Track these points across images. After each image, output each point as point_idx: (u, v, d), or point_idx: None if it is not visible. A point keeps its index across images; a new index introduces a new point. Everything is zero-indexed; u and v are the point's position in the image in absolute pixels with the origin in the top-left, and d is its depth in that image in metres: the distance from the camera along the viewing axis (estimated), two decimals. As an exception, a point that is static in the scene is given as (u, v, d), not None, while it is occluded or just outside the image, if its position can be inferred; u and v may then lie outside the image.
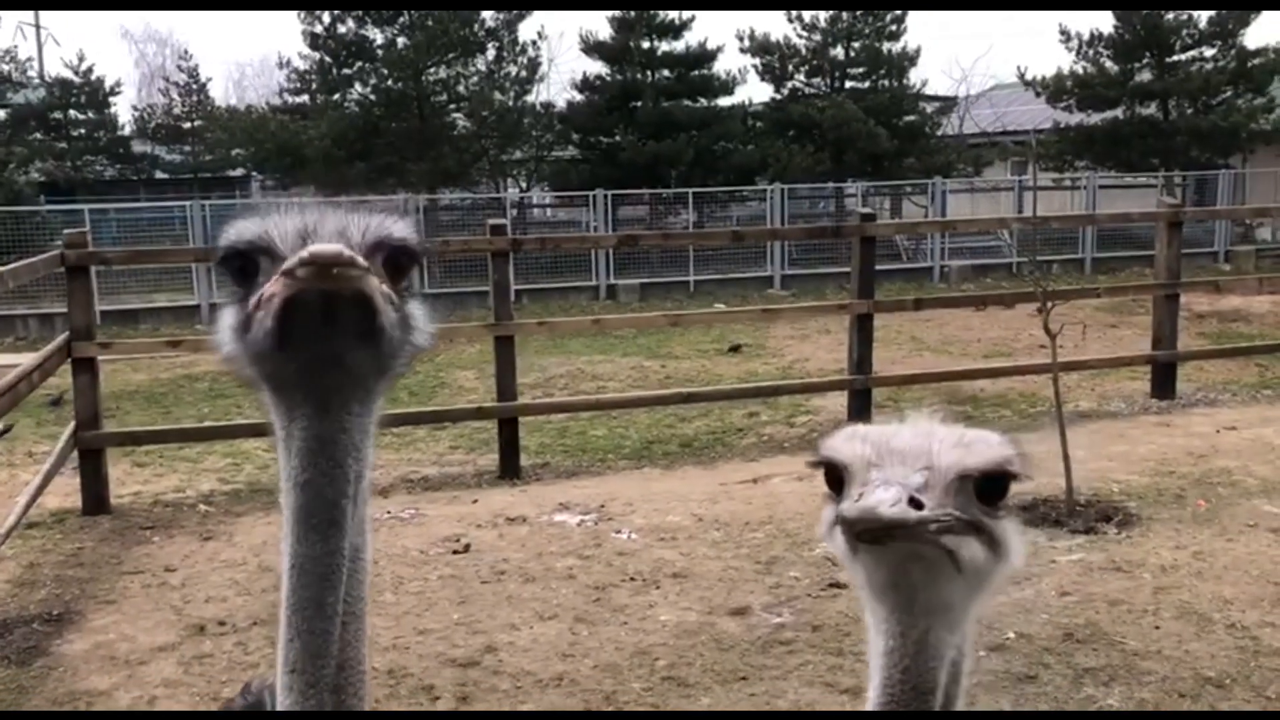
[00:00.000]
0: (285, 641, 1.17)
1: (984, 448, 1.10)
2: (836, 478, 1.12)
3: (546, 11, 29.25)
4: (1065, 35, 29.06)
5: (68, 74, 31.40)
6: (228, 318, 1.17)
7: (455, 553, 6.28)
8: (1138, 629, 4.95)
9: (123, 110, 33.76)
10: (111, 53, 67.94)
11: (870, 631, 1.14)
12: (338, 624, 1.17)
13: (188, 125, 33.37)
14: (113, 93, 32.10)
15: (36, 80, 35.00)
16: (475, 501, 7.52)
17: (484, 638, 5.09)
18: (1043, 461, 7.46)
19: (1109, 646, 4.79)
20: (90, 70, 31.33)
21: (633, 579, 5.83)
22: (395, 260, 1.18)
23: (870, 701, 1.13)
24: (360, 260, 1.07)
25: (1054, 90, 28.88)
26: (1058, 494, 6.65)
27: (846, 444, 1.11)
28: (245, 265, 1.16)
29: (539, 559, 6.16)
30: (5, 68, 34.11)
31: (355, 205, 1.20)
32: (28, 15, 39.58)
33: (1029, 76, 29.32)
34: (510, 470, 8.26)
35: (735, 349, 14.69)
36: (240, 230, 1.19)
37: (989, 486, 1.09)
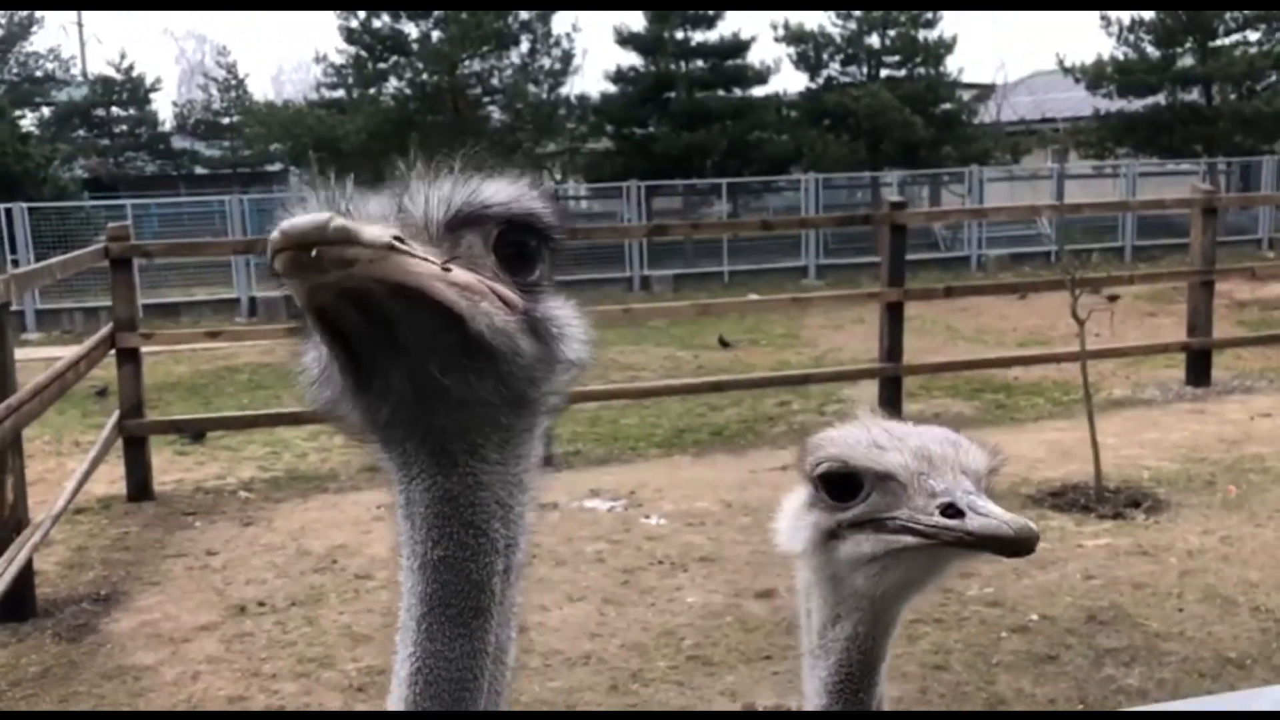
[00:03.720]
0: None
1: (977, 450, 1.14)
2: (847, 481, 1.12)
3: (579, 10, 29.22)
4: (1106, 21, 28.74)
5: (110, 72, 31.95)
6: (308, 358, 0.92)
7: (488, 537, 6.41)
8: (1161, 611, 4.98)
9: (163, 107, 34.46)
10: (152, 50, 68.89)
11: (817, 619, 1.18)
12: None
13: (226, 121, 33.81)
14: (153, 89, 32.64)
15: (79, 78, 35.60)
16: (508, 488, 7.64)
17: (514, 618, 5.21)
18: (1073, 448, 7.48)
19: (1131, 628, 4.83)
20: (131, 68, 31.88)
21: (661, 562, 5.93)
22: (511, 241, 0.88)
23: (816, 683, 1.19)
24: (364, 232, 0.74)
25: (1094, 76, 28.55)
26: (1087, 480, 6.67)
27: (889, 453, 1.10)
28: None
29: (569, 543, 6.27)
30: (49, 66, 34.70)
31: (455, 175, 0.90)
32: (70, 15, 40.24)
33: (1069, 63, 29.03)
34: (543, 458, 8.36)
35: (725, 344, 14.29)
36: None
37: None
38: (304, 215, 0.74)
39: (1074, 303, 6.92)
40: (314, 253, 0.73)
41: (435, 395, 0.83)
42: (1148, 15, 28.12)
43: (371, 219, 0.80)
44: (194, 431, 9.36)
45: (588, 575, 5.78)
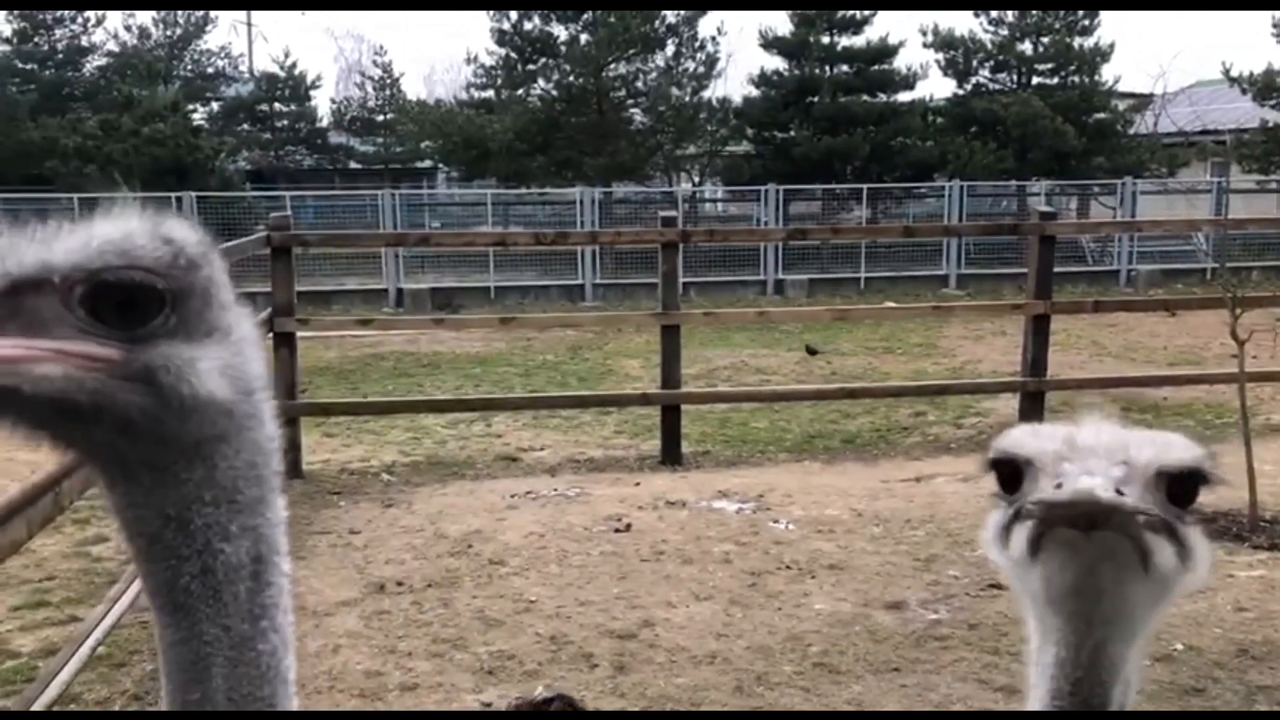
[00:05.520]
0: None
1: (1180, 447, 1.05)
2: (1013, 475, 1.07)
3: (727, 11, 29.27)
4: (1278, 28, 27.27)
5: (274, 69, 33.42)
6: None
7: (617, 531, 6.50)
8: (1319, 650, 4.73)
9: (322, 103, 35.69)
10: (314, 49, 71.99)
11: (1034, 640, 1.10)
12: None
13: (381, 118, 34.98)
14: (313, 87, 33.99)
15: (246, 75, 37.35)
16: (637, 484, 7.73)
17: (642, 613, 5.28)
18: (1226, 474, 7.15)
19: (1285, 665, 4.60)
20: (294, 65, 33.27)
21: (788, 567, 5.91)
22: (112, 293, 0.86)
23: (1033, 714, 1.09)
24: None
25: (1263, 86, 27.10)
26: (1240, 508, 6.36)
27: (1031, 439, 1.07)
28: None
29: (697, 542, 6.31)
30: (220, 64, 36.51)
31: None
32: (241, 14, 42.27)
33: (1234, 72, 27.65)
34: (672, 456, 8.45)
35: (812, 352, 13.85)
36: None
37: (1180, 488, 1.04)
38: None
39: (1234, 322, 6.62)
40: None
41: (62, 430, 0.87)
42: (1326, 22, 26.60)
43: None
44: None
45: (715, 575, 5.80)
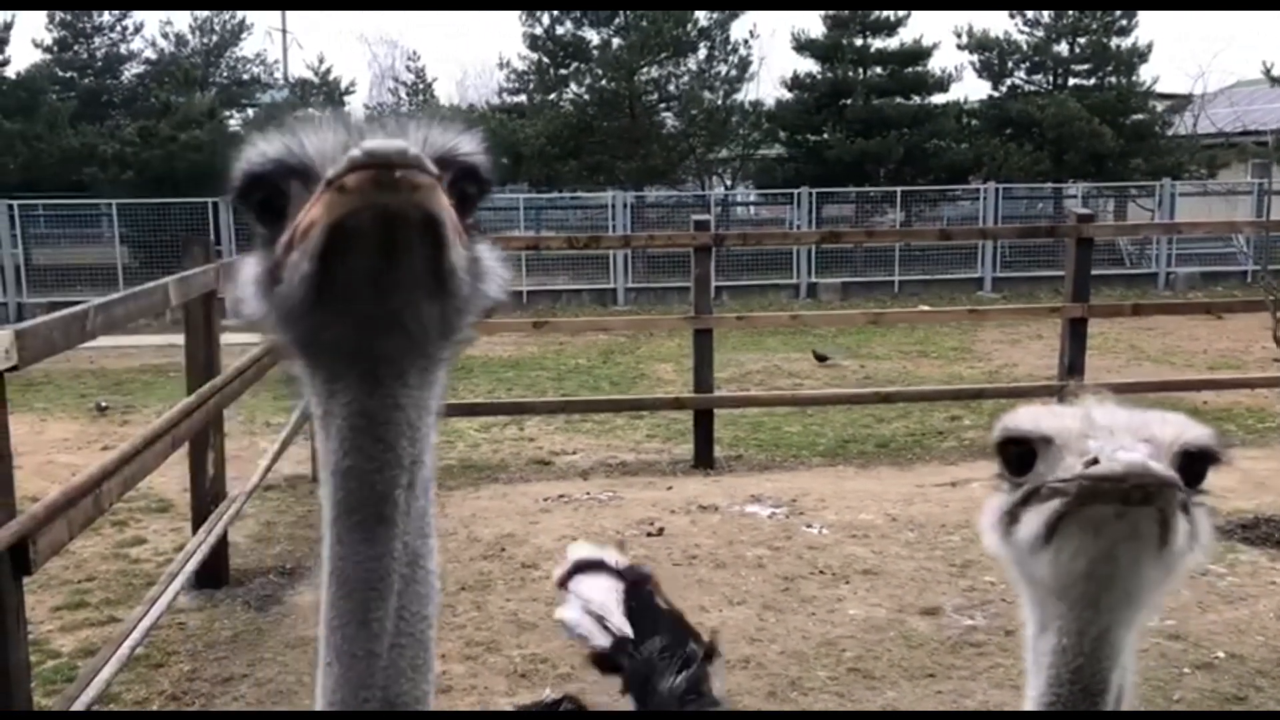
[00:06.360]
0: (323, 666, 0.95)
1: (1195, 426, 1.04)
2: (1022, 456, 1.04)
3: (760, 11, 29.22)
4: (1320, 27, 26.86)
5: (308, 75, 33.72)
6: (249, 268, 0.94)
7: (650, 535, 6.50)
8: (1365, 659, 4.64)
9: (356, 109, 35.94)
10: (348, 54, 72.55)
11: (1031, 629, 1.07)
12: (384, 646, 0.93)
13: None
14: (347, 93, 34.19)
15: (281, 81, 37.72)
16: (670, 488, 7.72)
17: (674, 617, 5.26)
18: (1267, 479, 7.04)
19: (1330, 674, 4.52)
20: (329, 71, 33.51)
21: (822, 572, 5.88)
22: (461, 187, 0.93)
23: (1031, 702, 1.07)
24: (430, 165, 0.82)
25: (1304, 86, 26.72)
26: (1282, 514, 6.27)
27: (1048, 417, 1.04)
28: (271, 197, 0.92)
29: (730, 546, 6.29)
30: (255, 70, 36.85)
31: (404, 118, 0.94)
32: (276, 20, 42.68)
33: (1275, 72, 27.22)
34: (704, 460, 8.42)
35: (821, 359, 13.69)
36: (263, 149, 0.92)
37: (1195, 467, 1.03)
38: (382, 140, 0.81)
39: (1276, 325, 6.52)
40: (397, 174, 0.79)
41: (391, 321, 0.87)
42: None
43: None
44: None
45: (748, 580, 5.78)
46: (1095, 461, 0.95)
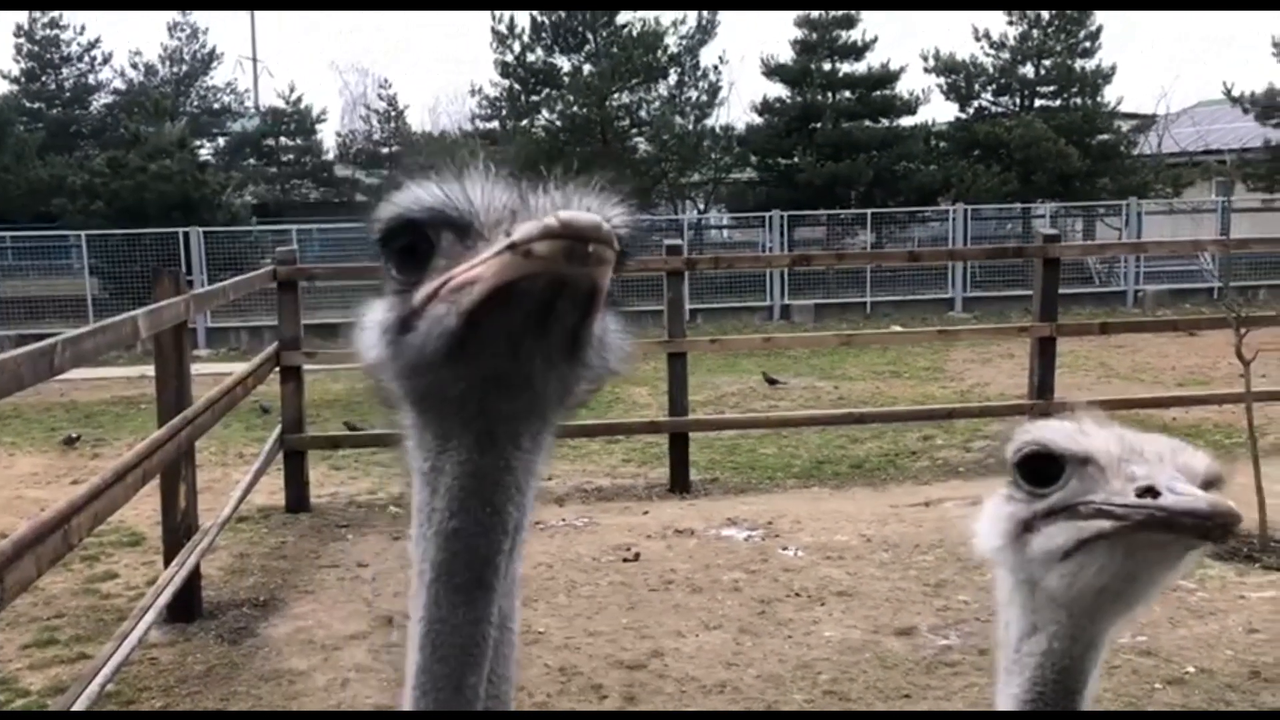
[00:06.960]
0: None
1: (1206, 455, 1.09)
2: (1046, 471, 1.07)
3: (733, 29, 29.42)
4: (1278, 47, 27.37)
5: (279, 104, 33.66)
6: (376, 313, 0.94)
7: (625, 561, 6.49)
8: (1333, 671, 4.70)
9: (327, 137, 35.91)
10: (318, 83, 72.57)
11: (1015, 628, 1.10)
12: (477, 711, 0.93)
13: (386, 150, 35.18)
14: (318, 121, 34.19)
15: (252, 110, 37.64)
16: (646, 513, 7.72)
17: (651, 643, 5.26)
18: (1235, 495, 7.11)
19: (1299, 687, 4.57)
20: (299, 100, 33.48)
21: (798, 594, 5.90)
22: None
23: (1011, 700, 1.10)
24: (615, 241, 0.82)
25: (1265, 106, 27.21)
26: (1250, 528, 6.34)
27: (1084, 437, 1.07)
28: (416, 244, 0.90)
29: (706, 571, 6.30)
30: (226, 99, 36.78)
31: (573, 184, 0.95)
32: (246, 50, 42.67)
33: (1235, 92, 27.72)
34: (680, 484, 8.44)
35: (772, 382, 13.57)
36: (418, 195, 0.90)
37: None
38: (576, 211, 0.80)
39: (1239, 342, 6.62)
40: (590, 249, 0.78)
41: (522, 383, 0.86)
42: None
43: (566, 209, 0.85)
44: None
45: (724, 604, 5.79)
46: (1150, 490, 0.99)
